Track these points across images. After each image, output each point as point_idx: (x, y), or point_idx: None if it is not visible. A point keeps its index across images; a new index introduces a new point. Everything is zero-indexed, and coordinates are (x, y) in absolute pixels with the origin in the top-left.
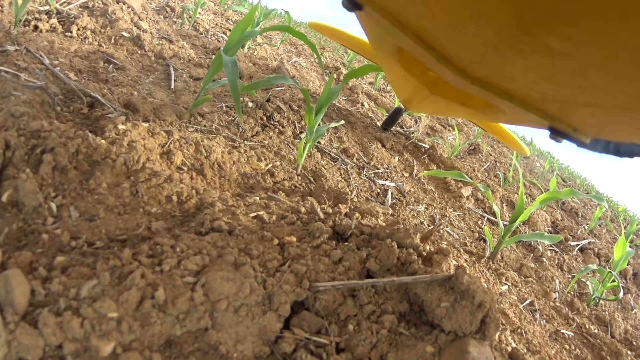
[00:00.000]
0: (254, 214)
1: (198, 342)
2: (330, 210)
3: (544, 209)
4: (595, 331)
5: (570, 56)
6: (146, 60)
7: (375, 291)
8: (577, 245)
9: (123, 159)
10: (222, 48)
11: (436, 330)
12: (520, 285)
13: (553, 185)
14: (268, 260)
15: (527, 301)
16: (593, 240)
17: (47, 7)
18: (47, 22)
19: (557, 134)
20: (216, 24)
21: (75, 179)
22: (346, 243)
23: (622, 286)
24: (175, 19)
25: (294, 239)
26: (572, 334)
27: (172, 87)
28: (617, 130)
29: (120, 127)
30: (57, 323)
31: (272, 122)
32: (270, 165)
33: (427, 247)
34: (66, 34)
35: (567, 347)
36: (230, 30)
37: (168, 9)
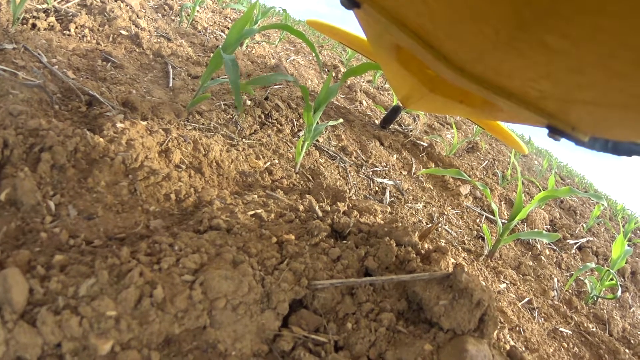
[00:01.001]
0: (252, 212)
1: (196, 340)
2: (329, 209)
3: (543, 207)
4: (594, 329)
5: (568, 54)
6: (144, 59)
7: (373, 289)
8: (576, 243)
9: (121, 157)
10: (220, 46)
11: (435, 329)
12: (518, 283)
13: (551, 184)
14: (266, 259)
15: (526, 299)
16: (591, 239)
17: (45, 5)
18: (45, 20)
19: (555, 132)
20: (214, 22)
21: (74, 178)
22: (344, 241)
23: (620, 284)
24: (173, 17)
25: (293, 237)
26: (570, 332)
27: (171, 85)
28: (616, 128)
29: (119, 125)
30: (56, 322)
31: (270, 120)
32: (268, 164)
33: (426, 245)
34: (64, 32)
35: (565, 345)
36: (228, 28)
37: (166, 7)
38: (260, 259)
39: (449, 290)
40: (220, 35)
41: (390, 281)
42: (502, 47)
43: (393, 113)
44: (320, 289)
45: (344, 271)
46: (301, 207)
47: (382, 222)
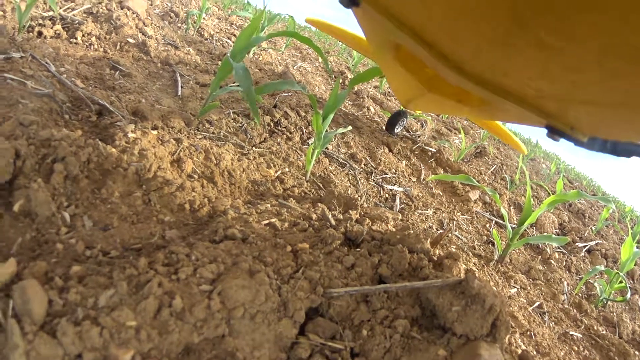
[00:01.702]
0: (266, 221)
1: (216, 349)
2: (341, 217)
3: (551, 211)
4: (603, 332)
5: (566, 52)
6: (152, 67)
7: (387, 296)
8: (585, 246)
9: (134, 167)
10: (228, 54)
11: (448, 334)
12: (528, 288)
13: (559, 187)
14: (282, 267)
15: (536, 304)
16: (600, 242)
17: (50, 13)
18: (52, 28)
19: (554, 132)
20: (221, 29)
21: (88, 188)
22: (358, 249)
23: (630, 287)
24: (179, 25)
25: (307, 246)
26: (581, 336)
27: (179, 93)
28: (614, 128)
29: (130, 135)
30: (76, 332)
31: (279, 128)
32: (279, 172)
33: (437, 252)
34: (71, 40)
35: (576, 348)
36: (235, 35)
37: (172, 14)
38: (276, 267)
39: (461, 296)
40: (226, 42)
41: (404, 288)
42: (499, 45)
43: (396, 117)
44: (335, 297)
45: (358, 279)
46: (314, 216)
47: (394, 229)
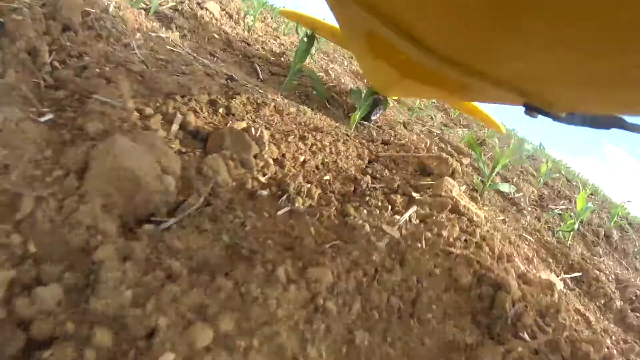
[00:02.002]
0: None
1: (330, 167)
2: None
3: (538, 187)
4: (553, 242)
5: (542, 34)
6: (236, 58)
7: (404, 160)
8: (555, 208)
9: (274, 103)
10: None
11: (432, 175)
12: (498, 212)
13: (543, 169)
14: (357, 146)
15: (500, 217)
16: (571, 207)
17: (144, 6)
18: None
19: (531, 109)
20: (266, 32)
21: (252, 110)
22: (388, 145)
23: (593, 241)
24: (233, 25)
25: (365, 143)
26: (533, 240)
27: (261, 77)
28: (594, 103)
29: (260, 90)
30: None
31: (328, 105)
32: (338, 123)
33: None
34: (167, 31)
35: (527, 244)
36: (277, 37)
37: (227, 17)
38: (354, 144)
39: (438, 159)
40: (273, 42)
41: (411, 156)
42: (475, 28)
43: (373, 106)
44: (381, 156)
45: (390, 152)
46: (362, 134)
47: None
